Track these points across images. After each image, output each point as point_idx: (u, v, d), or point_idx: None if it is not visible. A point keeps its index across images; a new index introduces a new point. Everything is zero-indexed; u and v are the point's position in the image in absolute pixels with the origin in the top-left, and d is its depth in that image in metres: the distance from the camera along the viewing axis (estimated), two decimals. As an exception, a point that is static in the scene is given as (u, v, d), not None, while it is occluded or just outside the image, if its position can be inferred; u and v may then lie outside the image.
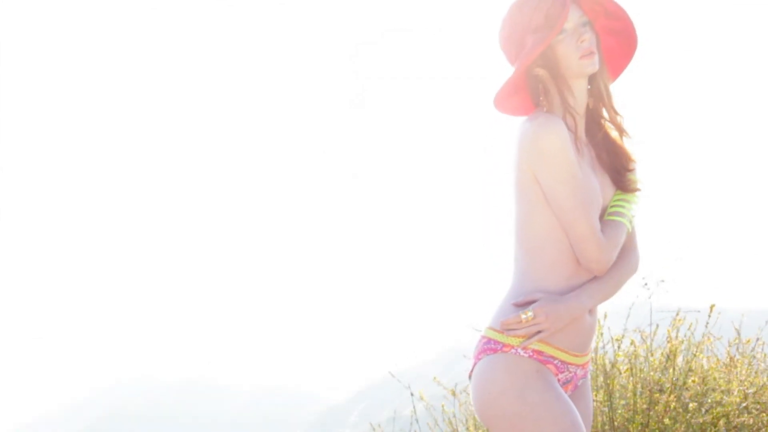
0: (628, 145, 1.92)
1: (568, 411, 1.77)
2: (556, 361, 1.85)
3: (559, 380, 1.87)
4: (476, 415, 1.87)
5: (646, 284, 3.19)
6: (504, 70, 1.89)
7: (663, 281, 3.19)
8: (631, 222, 1.89)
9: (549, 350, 1.83)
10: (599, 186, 1.87)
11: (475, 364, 1.86)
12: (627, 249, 1.93)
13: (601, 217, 1.89)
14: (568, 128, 1.83)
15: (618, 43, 1.93)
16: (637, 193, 1.91)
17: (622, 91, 1.97)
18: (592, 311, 1.91)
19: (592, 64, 1.80)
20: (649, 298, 3.32)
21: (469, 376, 1.89)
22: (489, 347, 1.83)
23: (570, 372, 1.90)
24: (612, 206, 1.89)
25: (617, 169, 1.91)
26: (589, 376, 2.03)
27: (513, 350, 1.80)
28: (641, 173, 1.95)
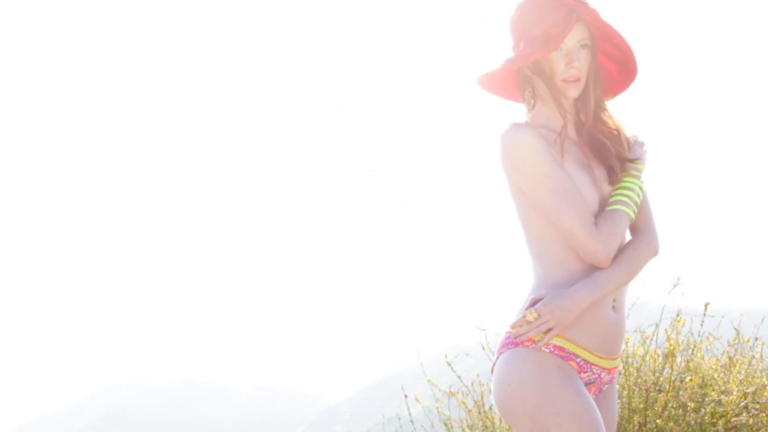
0: (622, 137, 1.92)
1: (588, 409, 1.73)
2: (578, 359, 1.82)
3: (581, 379, 1.83)
4: (496, 409, 1.86)
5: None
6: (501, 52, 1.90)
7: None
8: (633, 207, 1.85)
9: (571, 347, 1.80)
10: (593, 180, 1.86)
11: (497, 358, 1.86)
12: (640, 230, 1.91)
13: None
14: (560, 129, 1.86)
15: (618, 70, 1.94)
16: (634, 178, 1.89)
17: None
18: (616, 308, 1.87)
19: (574, 90, 1.84)
20: (645, 298, 3.32)
21: (492, 370, 1.88)
22: (510, 341, 1.82)
23: (594, 373, 1.86)
24: (611, 196, 1.88)
25: (609, 164, 1.89)
26: (615, 383, 1.99)
27: (533, 345, 1.79)
28: (649, 155, 1.93)
